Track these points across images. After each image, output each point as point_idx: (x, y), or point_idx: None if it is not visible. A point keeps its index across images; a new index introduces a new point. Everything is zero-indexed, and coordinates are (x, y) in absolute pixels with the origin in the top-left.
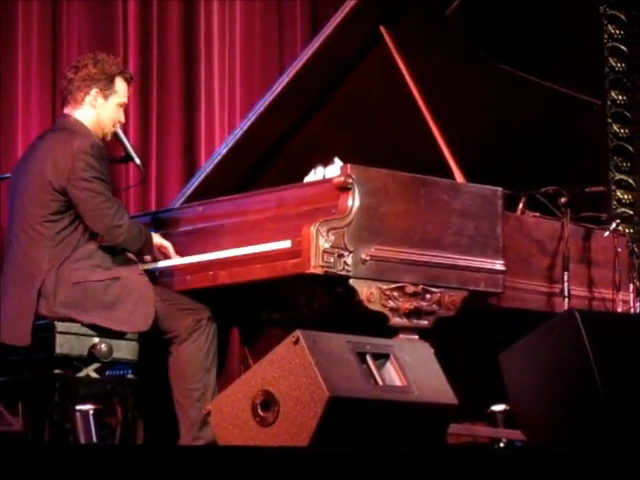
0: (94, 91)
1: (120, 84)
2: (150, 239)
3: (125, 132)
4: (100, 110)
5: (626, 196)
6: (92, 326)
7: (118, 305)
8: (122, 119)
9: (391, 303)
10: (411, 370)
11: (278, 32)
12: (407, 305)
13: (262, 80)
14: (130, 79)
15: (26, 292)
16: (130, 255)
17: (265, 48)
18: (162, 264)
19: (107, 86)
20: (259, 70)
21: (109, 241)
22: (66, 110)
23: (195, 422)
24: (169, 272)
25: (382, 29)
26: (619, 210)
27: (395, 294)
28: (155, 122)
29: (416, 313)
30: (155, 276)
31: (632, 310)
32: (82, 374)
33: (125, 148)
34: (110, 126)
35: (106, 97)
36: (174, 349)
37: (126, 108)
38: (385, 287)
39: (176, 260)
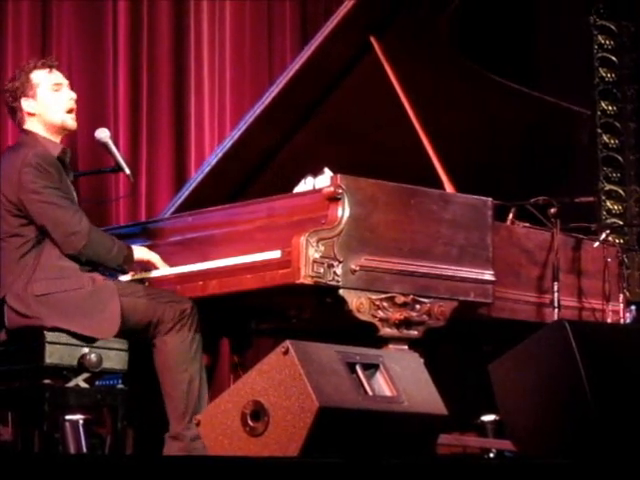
0: (22, 101)
1: (37, 75)
2: (129, 253)
3: (115, 142)
4: (39, 111)
5: (616, 206)
6: (60, 330)
7: (82, 312)
8: (71, 95)
9: (381, 313)
10: (401, 380)
11: (267, 38)
12: (397, 315)
13: (252, 87)
14: (46, 63)
15: None
16: None
17: (255, 55)
18: (154, 273)
19: (28, 87)
20: (249, 78)
21: (69, 249)
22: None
23: (184, 414)
24: (159, 282)
25: (372, 39)
26: (609, 220)
27: (385, 304)
28: (145, 132)
29: (406, 323)
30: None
31: (622, 320)
32: (72, 384)
33: (115, 158)
34: (60, 113)
35: (33, 96)
36: (158, 341)
37: (71, 86)
38: (375, 297)
39: (166, 270)
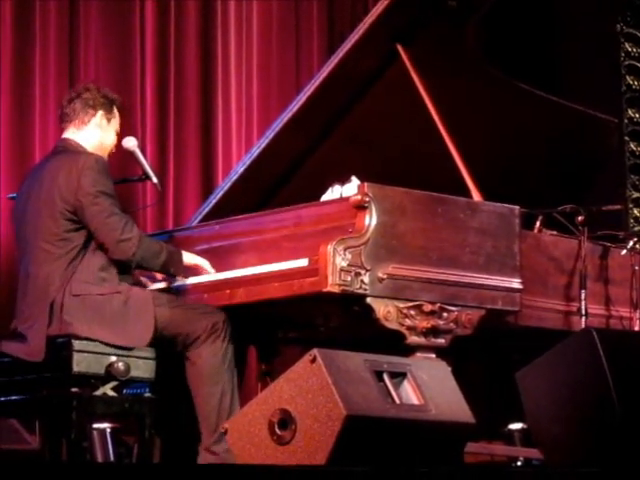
0: (100, 113)
1: (117, 112)
2: (178, 258)
3: (142, 151)
4: (104, 133)
5: None
6: (89, 338)
7: (116, 320)
8: (115, 142)
9: (408, 321)
10: (428, 389)
11: (295, 38)
12: (424, 324)
13: (279, 96)
14: (122, 108)
15: (39, 310)
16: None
17: (282, 55)
18: (190, 281)
19: (109, 111)
20: (276, 86)
21: (119, 255)
22: (66, 134)
23: (215, 428)
24: (186, 290)
25: (399, 47)
26: (636, 228)
27: (412, 312)
28: (172, 140)
29: (433, 332)
30: (173, 294)
31: None
32: (99, 392)
33: (142, 167)
34: (109, 150)
35: (109, 120)
36: (191, 354)
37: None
38: (402, 305)
39: (201, 277)
